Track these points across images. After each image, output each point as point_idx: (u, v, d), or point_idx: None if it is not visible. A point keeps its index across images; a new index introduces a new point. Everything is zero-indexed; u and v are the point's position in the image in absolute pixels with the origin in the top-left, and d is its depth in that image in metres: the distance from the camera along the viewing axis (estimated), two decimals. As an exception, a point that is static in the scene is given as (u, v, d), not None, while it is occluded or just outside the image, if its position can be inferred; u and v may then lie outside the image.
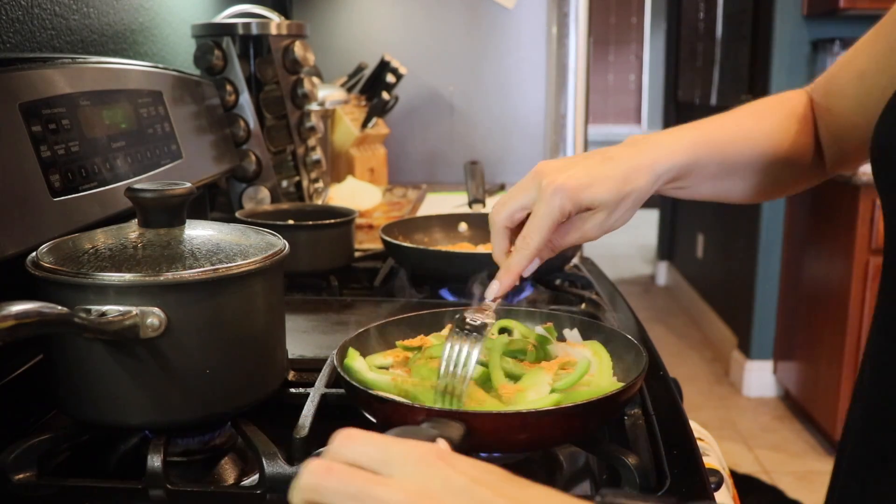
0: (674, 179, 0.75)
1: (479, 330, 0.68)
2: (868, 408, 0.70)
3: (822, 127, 0.84)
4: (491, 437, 0.60)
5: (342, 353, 0.74)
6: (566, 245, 0.75)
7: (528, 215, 0.72)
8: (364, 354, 0.77)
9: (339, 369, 0.70)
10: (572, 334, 0.81)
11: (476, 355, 0.66)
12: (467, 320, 0.69)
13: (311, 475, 0.44)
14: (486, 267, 1.13)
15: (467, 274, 1.17)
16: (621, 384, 0.69)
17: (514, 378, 0.71)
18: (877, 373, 0.69)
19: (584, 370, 0.71)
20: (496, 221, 0.74)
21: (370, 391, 0.65)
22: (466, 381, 0.66)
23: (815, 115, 0.84)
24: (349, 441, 0.46)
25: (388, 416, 0.64)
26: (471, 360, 0.66)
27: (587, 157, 0.73)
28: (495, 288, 0.74)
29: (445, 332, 0.80)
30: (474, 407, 0.66)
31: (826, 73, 0.85)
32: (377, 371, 0.73)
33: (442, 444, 0.53)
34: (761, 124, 0.81)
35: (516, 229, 0.74)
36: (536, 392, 0.67)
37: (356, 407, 0.69)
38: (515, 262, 0.72)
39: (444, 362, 0.66)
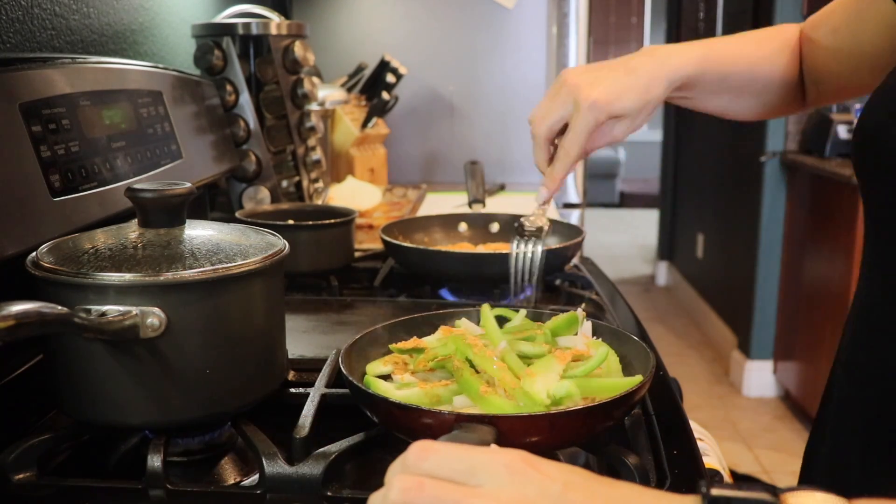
0: (681, 88, 0.84)
1: (537, 234, 0.83)
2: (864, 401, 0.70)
3: (805, 64, 0.91)
4: (520, 439, 0.60)
5: (349, 362, 0.73)
6: (597, 147, 0.85)
7: (564, 125, 0.82)
8: (364, 358, 0.76)
9: (357, 384, 0.68)
10: (586, 326, 0.82)
11: (540, 252, 0.81)
12: (525, 227, 0.83)
13: (404, 493, 0.43)
14: (486, 266, 1.14)
15: (467, 274, 1.18)
16: (638, 379, 0.69)
17: (526, 359, 0.73)
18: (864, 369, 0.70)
19: (603, 358, 0.72)
20: (538, 134, 0.84)
21: (393, 400, 0.65)
22: (535, 277, 0.80)
23: (802, 51, 0.91)
24: (428, 454, 0.45)
25: (416, 424, 0.63)
26: (536, 257, 0.81)
27: (612, 68, 0.82)
28: (544, 193, 0.85)
29: (438, 334, 0.80)
30: (498, 409, 0.66)
31: (811, 18, 0.91)
32: (401, 385, 0.72)
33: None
34: (761, 50, 0.89)
35: (557, 135, 0.85)
36: (544, 380, 0.67)
37: (361, 409, 0.69)
38: (559, 170, 0.83)
39: (513, 264, 0.80)
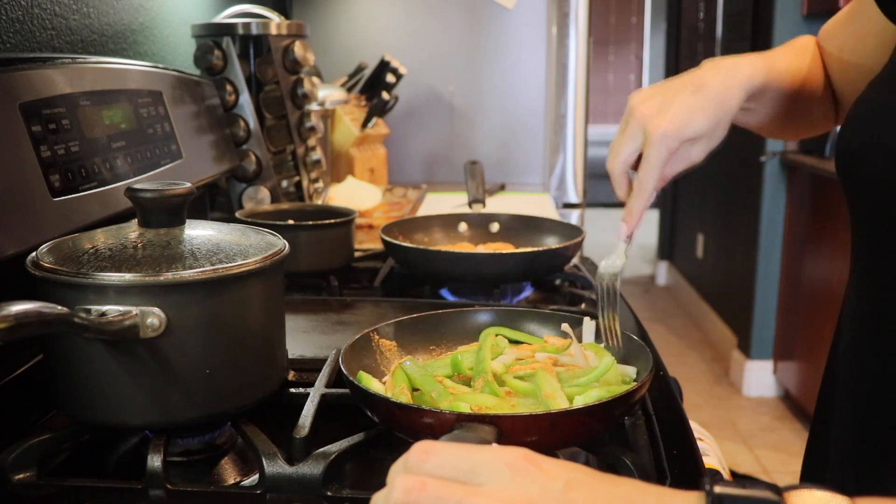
0: (749, 99, 0.80)
1: (616, 273, 0.82)
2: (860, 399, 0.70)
3: (828, 76, 0.89)
4: (521, 439, 0.60)
5: (349, 362, 0.73)
6: (677, 172, 0.81)
7: (639, 156, 0.78)
8: (364, 360, 0.76)
9: (358, 384, 0.68)
10: (588, 327, 0.84)
11: (618, 285, 0.81)
12: (604, 265, 0.82)
13: (406, 493, 0.43)
14: (486, 266, 1.14)
15: (467, 274, 1.18)
16: (633, 382, 0.69)
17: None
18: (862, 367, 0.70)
19: (606, 369, 0.72)
20: (614, 170, 0.80)
21: (394, 400, 0.65)
22: (617, 316, 0.80)
23: (824, 63, 0.89)
24: (429, 454, 0.45)
25: (417, 424, 0.63)
26: (616, 295, 0.80)
27: (679, 88, 0.78)
28: (624, 229, 0.82)
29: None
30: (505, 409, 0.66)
31: (823, 29, 0.89)
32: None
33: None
34: (801, 63, 0.86)
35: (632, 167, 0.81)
36: (563, 400, 0.69)
37: (361, 409, 0.69)
38: (637, 205, 0.79)
39: (600, 304, 0.80)
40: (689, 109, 0.76)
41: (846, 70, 0.85)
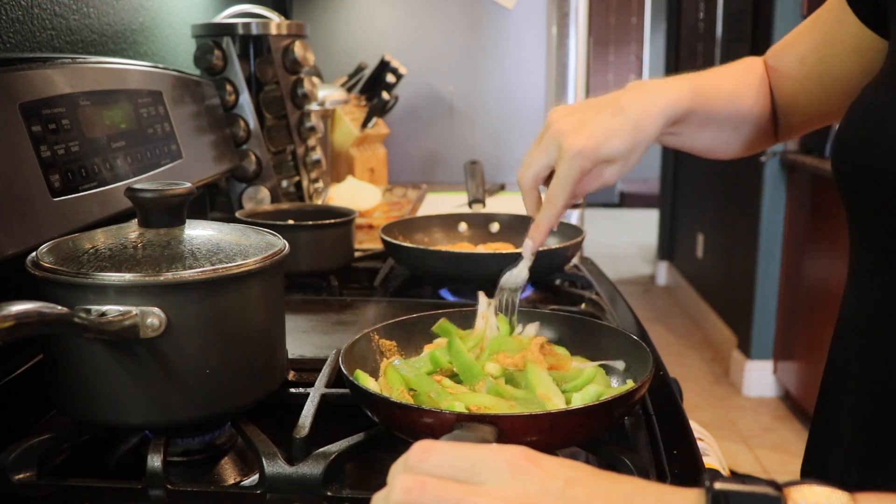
0: (673, 124, 0.79)
1: (517, 290, 0.81)
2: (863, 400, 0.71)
3: (774, 95, 0.89)
4: (521, 438, 0.60)
5: (349, 362, 0.73)
6: (587, 192, 0.80)
7: (551, 171, 0.78)
8: (363, 361, 0.76)
9: (358, 384, 0.68)
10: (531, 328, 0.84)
11: (516, 302, 0.81)
12: (506, 282, 0.81)
13: (406, 492, 0.43)
14: (486, 266, 1.14)
15: (467, 274, 1.18)
16: (632, 384, 0.70)
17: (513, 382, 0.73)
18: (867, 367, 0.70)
19: (593, 376, 0.73)
20: (524, 183, 0.80)
21: (394, 400, 0.65)
22: (514, 319, 0.81)
23: (770, 83, 0.89)
24: (429, 454, 0.45)
25: (417, 424, 0.63)
26: (514, 305, 0.80)
27: (599, 109, 0.77)
28: (529, 245, 0.81)
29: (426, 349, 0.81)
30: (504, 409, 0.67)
31: (773, 49, 0.89)
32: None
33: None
34: (738, 83, 0.86)
35: (543, 182, 0.81)
36: (560, 397, 0.69)
37: (361, 409, 0.69)
38: (544, 220, 0.79)
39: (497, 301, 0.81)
40: (607, 130, 0.75)
41: (805, 80, 0.84)
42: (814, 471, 0.79)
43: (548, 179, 0.79)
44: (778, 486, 0.42)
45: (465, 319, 0.85)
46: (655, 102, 0.76)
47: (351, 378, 0.69)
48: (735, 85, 0.85)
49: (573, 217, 2.37)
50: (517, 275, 0.82)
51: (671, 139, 0.83)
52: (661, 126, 0.77)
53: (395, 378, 0.72)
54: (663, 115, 0.77)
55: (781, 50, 0.88)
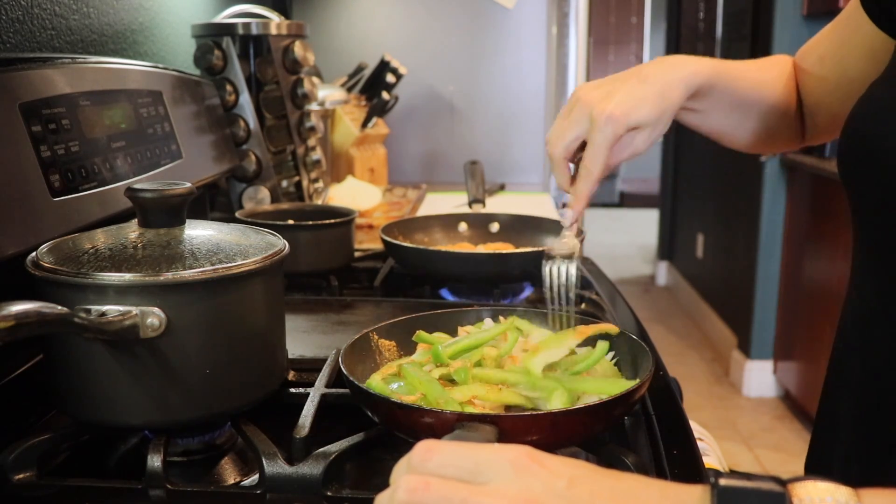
0: (695, 96, 0.82)
1: (568, 258, 0.81)
2: (862, 397, 0.71)
3: (800, 94, 0.91)
4: (522, 438, 0.60)
5: (349, 362, 0.72)
6: (620, 161, 0.82)
7: (582, 143, 0.79)
8: (363, 361, 0.76)
9: (358, 384, 0.68)
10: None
11: (573, 271, 0.79)
12: (554, 249, 0.81)
13: (410, 493, 0.43)
14: (486, 267, 1.14)
15: (467, 274, 1.18)
16: (635, 380, 0.70)
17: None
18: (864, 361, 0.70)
19: (603, 353, 0.74)
20: (555, 155, 0.81)
21: (394, 400, 0.65)
22: (572, 293, 0.80)
23: (797, 81, 0.91)
24: (432, 453, 0.45)
25: (418, 424, 0.63)
26: (571, 276, 0.79)
27: (625, 79, 0.80)
28: (570, 214, 0.83)
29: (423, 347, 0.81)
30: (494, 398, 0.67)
31: (801, 48, 0.91)
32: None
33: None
34: (765, 74, 0.88)
35: (572, 157, 0.82)
36: (546, 355, 0.71)
37: (361, 409, 0.69)
38: (583, 189, 0.80)
39: (548, 286, 0.79)
40: (635, 98, 0.77)
41: (824, 81, 0.86)
42: (817, 468, 0.79)
43: (577, 152, 0.80)
44: (782, 482, 0.42)
45: (466, 319, 0.85)
46: (678, 71, 0.80)
47: (352, 378, 0.68)
48: (761, 74, 0.88)
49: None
50: (566, 243, 0.82)
51: (695, 117, 0.86)
52: (683, 94, 0.80)
53: (414, 380, 0.71)
54: (685, 83, 0.80)
55: (806, 49, 0.90)
